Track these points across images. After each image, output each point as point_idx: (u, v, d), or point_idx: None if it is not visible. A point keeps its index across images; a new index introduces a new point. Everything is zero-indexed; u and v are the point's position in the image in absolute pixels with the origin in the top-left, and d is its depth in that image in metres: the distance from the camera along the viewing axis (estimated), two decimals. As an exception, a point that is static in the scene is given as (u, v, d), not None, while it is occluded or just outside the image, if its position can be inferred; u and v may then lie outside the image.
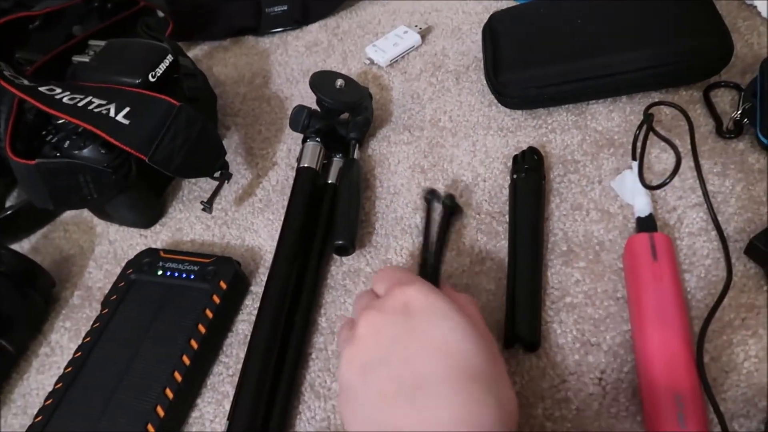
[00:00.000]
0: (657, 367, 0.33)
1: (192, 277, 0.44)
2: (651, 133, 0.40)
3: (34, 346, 0.47)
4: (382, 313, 0.32)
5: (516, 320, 0.37)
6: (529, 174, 0.44)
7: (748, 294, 0.36)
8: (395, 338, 0.30)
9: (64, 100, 0.46)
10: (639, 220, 0.39)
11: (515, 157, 0.46)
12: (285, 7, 0.68)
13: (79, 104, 0.46)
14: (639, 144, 0.40)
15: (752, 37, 0.50)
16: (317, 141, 0.50)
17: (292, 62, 0.63)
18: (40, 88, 0.47)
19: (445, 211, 0.41)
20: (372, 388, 0.30)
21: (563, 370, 0.36)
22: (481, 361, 0.29)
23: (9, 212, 0.54)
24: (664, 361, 0.33)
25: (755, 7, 0.51)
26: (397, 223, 0.47)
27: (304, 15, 0.67)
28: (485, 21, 0.55)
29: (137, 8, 0.65)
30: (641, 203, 0.39)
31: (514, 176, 0.44)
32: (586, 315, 0.38)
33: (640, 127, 0.41)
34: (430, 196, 0.43)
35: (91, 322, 0.45)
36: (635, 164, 0.41)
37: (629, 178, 0.41)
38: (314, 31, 0.66)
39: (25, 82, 0.49)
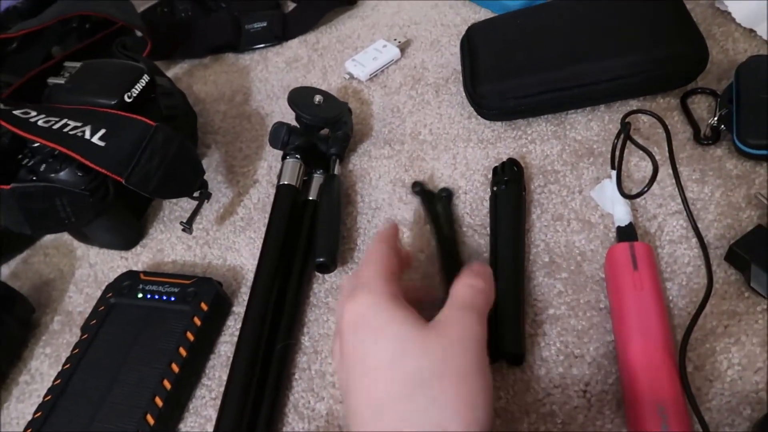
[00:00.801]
0: (640, 377, 0.32)
1: (172, 299, 0.44)
2: (629, 142, 0.40)
3: (14, 373, 0.46)
4: (340, 333, 0.31)
5: (500, 334, 0.37)
6: (510, 186, 0.44)
7: (730, 301, 0.36)
8: (348, 361, 0.30)
9: (39, 123, 0.46)
10: (619, 229, 0.39)
11: (495, 169, 0.46)
12: (264, 23, 0.68)
13: (54, 127, 0.45)
14: (617, 153, 0.40)
15: (727, 43, 0.50)
16: (297, 158, 0.49)
17: (272, 78, 0.63)
18: (15, 112, 0.47)
19: (444, 197, 0.44)
20: (350, 410, 0.29)
21: (548, 384, 0.36)
22: (425, 369, 0.27)
23: (-14, 238, 0.54)
24: (647, 371, 0.32)
25: (729, 13, 0.51)
26: (379, 239, 0.46)
27: (284, 31, 0.67)
28: (464, 32, 0.55)
29: (115, 28, 0.65)
30: (621, 212, 0.39)
31: (494, 188, 0.44)
32: (569, 326, 0.38)
33: (617, 136, 0.41)
34: (419, 187, 0.45)
35: (71, 348, 0.44)
36: (614, 173, 0.41)
37: (609, 187, 0.41)
38: (294, 46, 0.66)
39: (0, 106, 0.48)
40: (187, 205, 0.54)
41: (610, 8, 0.50)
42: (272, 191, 0.52)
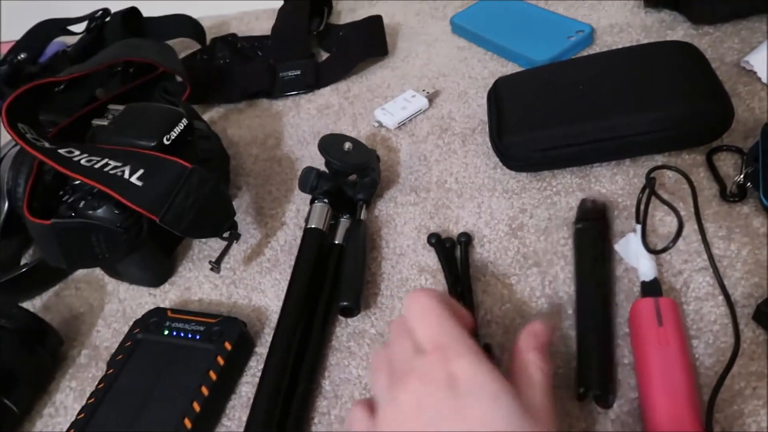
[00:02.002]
0: (665, 436, 0.32)
1: (197, 337, 0.45)
2: (654, 197, 0.40)
3: (39, 406, 0.47)
4: (424, 383, 0.30)
5: (585, 373, 0.37)
6: (595, 222, 0.44)
7: (758, 362, 0.36)
8: (439, 417, 0.29)
9: (82, 161, 0.48)
10: (644, 284, 0.39)
11: (580, 205, 0.46)
12: (298, 72, 0.70)
13: (96, 166, 0.47)
14: (642, 207, 0.41)
15: (753, 102, 0.51)
16: (325, 202, 0.50)
17: (303, 124, 0.65)
18: (60, 150, 0.49)
19: (461, 246, 0.45)
20: None
21: (570, 438, 0.35)
22: None
23: (23, 269, 0.55)
24: (672, 430, 0.32)
25: (755, 72, 0.52)
26: (402, 284, 0.47)
27: (317, 79, 0.70)
28: (491, 85, 0.57)
29: (157, 73, 0.69)
30: (645, 267, 0.39)
31: (578, 225, 0.44)
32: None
33: (642, 191, 0.42)
34: (434, 239, 0.46)
35: (96, 383, 0.45)
36: (639, 228, 0.41)
37: (633, 241, 0.41)
38: (326, 94, 0.69)
39: (46, 144, 0.50)
40: (215, 244, 0.55)
41: (636, 64, 0.51)
42: (299, 234, 0.53)
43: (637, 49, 0.53)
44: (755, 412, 0.34)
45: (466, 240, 0.47)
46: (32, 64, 0.78)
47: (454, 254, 0.46)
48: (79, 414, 0.43)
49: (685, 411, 0.32)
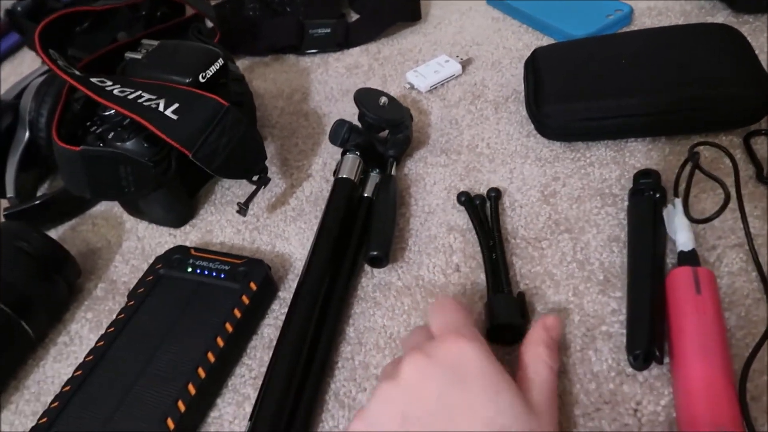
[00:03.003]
0: (699, 400, 0.32)
1: (222, 276, 0.44)
2: (697, 171, 0.40)
3: (53, 334, 0.46)
4: (431, 360, 0.31)
5: (632, 335, 0.37)
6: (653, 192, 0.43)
7: (790, 336, 0.36)
8: (442, 395, 0.30)
9: (115, 91, 0.47)
10: (681, 254, 0.39)
11: (636, 176, 0.45)
12: (328, 30, 0.69)
13: (129, 96, 0.47)
14: (683, 182, 0.40)
15: (792, 91, 0.50)
16: (357, 154, 0.50)
17: (331, 81, 0.65)
18: (92, 79, 0.48)
19: (491, 201, 0.46)
20: None
21: (597, 398, 0.35)
22: None
23: (38, 201, 0.54)
24: (707, 394, 0.32)
25: (795, 62, 0.52)
26: (430, 242, 0.46)
27: (346, 39, 0.69)
28: (525, 57, 0.56)
29: (184, 19, 0.67)
30: (684, 237, 0.39)
31: (635, 193, 0.44)
32: (621, 345, 0.37)
33: (683, 165, 0.42)
34: (464, 197, 0.47)
35: (115, 314, 0.44)
36: (678, 200, 0.41)
37: (672, 213, 0.41)
38: (355, 54, 0.68)
39: (77, 72, 0.49)
40: (239, 190, 0.55)
41: (678, 43, 0.50)
42: (325, 186, 0.53)
43: (680, 29, 0.53)
44: (785, 385, 0.34)
45: (495, 195, 0.47)
46: (55, 0, 0.76)
47: (484, 210, 0.46)
48: (98, 342, 0.42)
49: (720, 378, 0.32)
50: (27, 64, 0.82)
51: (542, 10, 0.64)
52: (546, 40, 0.63)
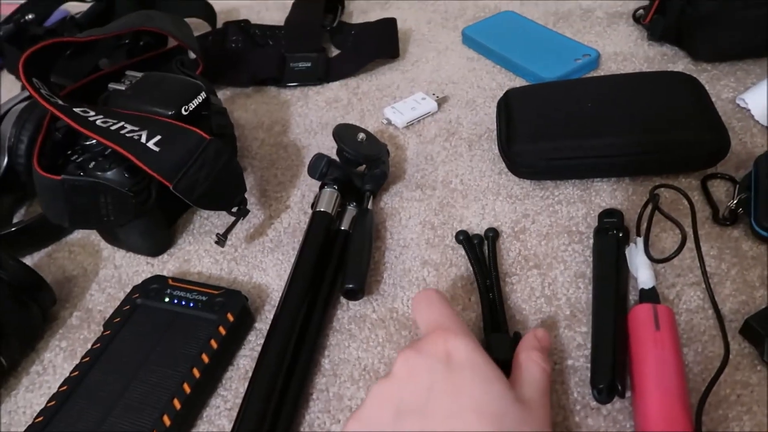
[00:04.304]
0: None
1: (199, 306, 0.45)
2: (657, 212, 0.42)
3: (26, 363, 0.46)
4: (420, 354, 0.32)
5: (595, 368, 0.39)
6: (616, 231, 0.45)
7: (743, 372, 0.38)
8: (433, 387, 0.31)
9: (97, 122, 0.48)
10: (642, 291, 0.41)
11: (601, 215, 0.48)
12: (309, 64, 0.71)
13: (112, 127, 0.47)
14: (644, 221, 0.43)
15: (746, 137, 0.54)
16: (334, 188, 0.51)
17: (311, 115, 0.66)
18: (75, 109, 0.49)
19: (488, 240, 0.48)
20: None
21: (564, 430, 0.37)
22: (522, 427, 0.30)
23: (14, 228, 0.54)
24: (665, 427, 0.34)
25: (749, 110, 0.55)
26: (405, 275, 0.48)
27: (327, 73, 0.71)
28: (499, 96, 0.59)
29: (167, 49, 0.69)
30: (645, 276, 0.41)
31: (599, 232, 0.46)
32: (587, 379, 0.39)
33: (645, 206, 0.44)
34: (462, 236, 0.48)
35: (90, 343, 0.44)
36: (639, 240, 0.43)
37: (634, 252, 0.43)
38: (335, 88, 0.70)
39: (60, 101, 0.50)
40: (217, 220, 0.55)
41: (642, 89, 0.54)
42: (303, 218, 0.54)
43: (643, 76, 0.56)
44: (738, 417, 0.36)
45: (493, 235, 0.48)
46: (37, 26, 0.77)
47: (482, 250, 0.47)
48: (72, 372, 0.42)
49: (677, 410, 0.34)
50: (7, 87, 0.81)
51: (515, 51, 0.67)
52: (518, 81, 0.66)
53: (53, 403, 0.40)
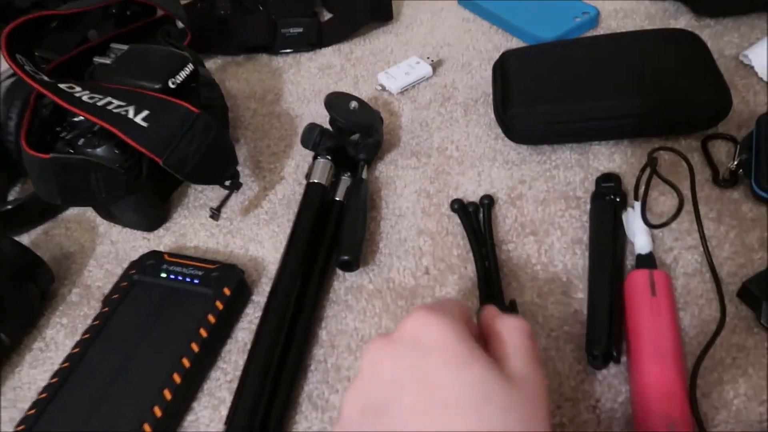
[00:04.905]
0: (652, 397, 0.34)
1: (196, 281, 0.45)
2: (654, 176, 0.42)
3: (28, 340, 0.47)
4: (388, 342, 0.28)
5: (592, 336, 0.38)
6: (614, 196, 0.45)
7: (740, 335, 0.38)
8: (396, 378, 0.27)
9: (84, 98, 0.47)
10: (639, 257, 0.41)
11: (598, 180, 0.47)
12: (300, 29, 0.70)
13: (98, 103, 0.47)
14: (642, 185, 0.42)
15: (748, 95, 0.52)
16: (328, 158, 0.51)
17: (304, 82, 0.65)
18: (60, 85, 0.48)
19: (483, 208, 0.47)
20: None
21: (559, 397, 0.37)
22: (512, 425, 0.25)
23: (10, 206, 0.54)
24: (659, 391, 0.34)
25: (753, 66, 0.54)
26: (401, 245, 0.47)
27: (318, 38, 0.69)
28: (495, 58, 0.57)
29: (155, 18, 0.67)
30: (642, 241, 0.41)
31: (597, 197, 0.46)
32: (582, 345, 0.39)
33: (643, 170, 0.43)
34: (457, 204, 0.47)
35: (90, 320, 0.45)
36: (637, 204, 0.43)
37: (631, 216, 0.43)
38: (328, 54, 0.68)
39: (45, 78, 0.49)
40: (212, 193, 0.55)
41: (642, 48, 0.52)
42: (298, 189, 0.53)
43: (644, 34, 0.54)
44: (734, 380, 0.36)
45: (488, 202, 0.48)
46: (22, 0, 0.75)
47: (477, 218, 0.47)
48: (73, 348, 0.42)
49: (671, 375, 0.34)
50: (-6, 62, 0.80)
51: (511, 12, 0.65)
52: (515, 42, 0.64)
53: (56, 379, 0.41)
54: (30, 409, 0.40)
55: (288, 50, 0.69)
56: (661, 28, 0.54)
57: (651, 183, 0.45)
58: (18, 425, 0.39)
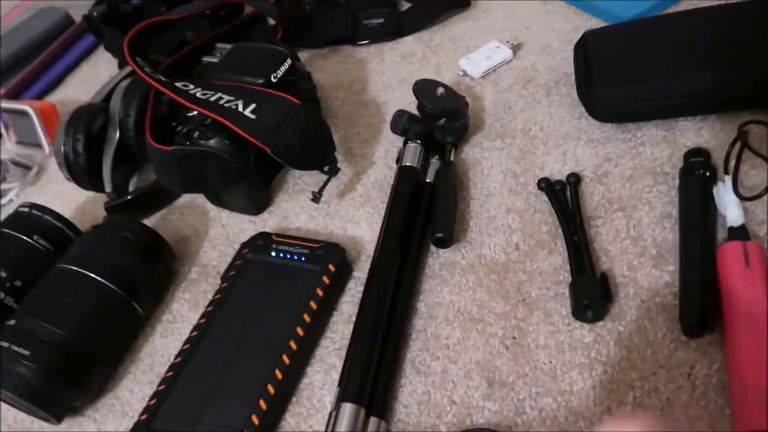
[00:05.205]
0: (748, 364, 0.35)
1: (303, 259, 0.49)
2: (745, 149, 0.42)
3: (158, 313, 0.53)
4: None
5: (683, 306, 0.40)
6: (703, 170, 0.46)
7: (838, 304, 0.38)
8: None
9: (197, 94, 0.52)
10: (731, 229, 0.41)
11: (686, 155, 0.48)
12: (381, 20, 0.73)
13: (211, 99, 0.51)
14: (732, 159, 0.43)
15: None
16: (418, 143, 0.54)
17: (387, 71, 0.68)
18: (177, 84, 0.53)
19: (570, 186, 0.48)
20: None
21: (653, 364, 0.39)
22: None
23: (133, 195, 0.60)
24: (755, 359, 0.35)
25: None
26: (490, 222, 0.50)
27: (399, 28, 0.72)
28: (575, 39, 0.58)
29: (249, 16, 0.72)
30: (734, 213, 0.42)
31: (686, 173, 0.46)
32: (675, 315, 0.40)
33: (733, 143, 0.44)
34: (544, 182, 0.49)
35: (211, 294, 0.50)
36: (727, 178, 0.43)
37: (722, 190, 0.44)
38: (409, 43, 0.71)
39: (162, 78, 0.55)
40: (309, 179, 0.59)
41: (726, 21, 0.52)
42: (388, 172, 0.57)
43: (730, 7, 0.54)
44: (832, 348, 0.37)
45: (575, 180, 0.49)
46: (126, 4, 0.82)
47: (565, 195, 0.49)
48: (200, 319, 0.48)
49: (765, 343, 0.35)
50: (102, 65, 0.88)
51: (590, -10, 0.65)
52: (594, 21, 0.65)
53: (187, 346, 0.46)
54: (168, 371, 0.45)
55: (370, 41, 0.72)
56: (750, 0, 0.53)
57: (742, 156, 0.45)
58: (159, 384, 0.45)
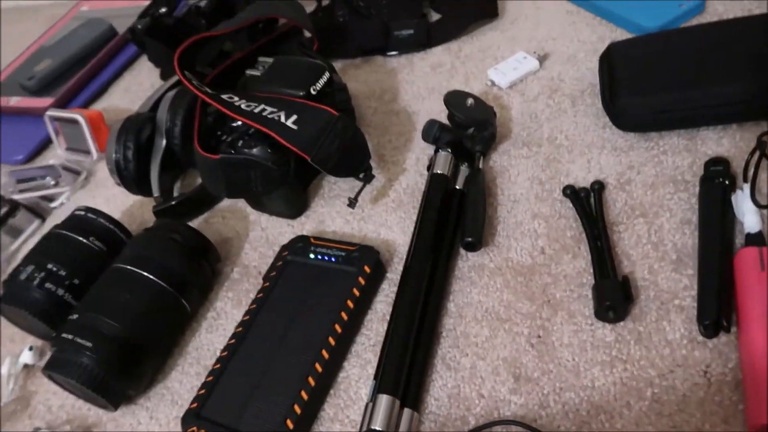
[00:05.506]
0: (762, 363, 0.37)
1: (340, 261, 0.52)
2: (764, 158, 0.44)
3: (203, 310, 0.56)
4: None
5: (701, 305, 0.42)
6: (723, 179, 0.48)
7: None
8: None
9: (242, 106, 0.56)
10: (748, 235, 0.43)
11: (707, 164, 0.50)
12: (411, 31, 0.76)
13: (255, 110, 0.55)
14: (751, 168, 0.45)
15: None
16: (448, 151, 0.57)
17: (418, 81, 0.71)
18: (222, 96, 0.57)
19: (594, 193, 0.51)
20: None
21: (671, 362, 0.41)
22: None
23: (178, 200, 0.64)
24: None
25: None
26: (517, 227, 0.53)
27: (429, 39, 0.75)
28: (600, 49, 0.61)
29: (287, 29, 0.76)
30: (751, 220, 0.44)
31: (706, 181, 0.49)
32: (693, 317, 0.43)
33: (752, 153, 0.46)
34: (569, 190, 0.51)
35: (254, 293, 0.53)
36: (746, 186, 0.45)
37: (740, 197, 0.46)
38: (438, 53, 0.74)
39: (209, 90, 0.58)
40: (344, 185, 0.63)
41: (749, 34, 0.54)
42: (419, 179, 0.60)
43: (753, 20, 0.55)
44: None
45: (599, 187, 0.52)
46: (168, 17, 0.86)
47: (589, 202, 0.51)
48: (244, 316, 0.51)
49: (781, 343, 0.37)
50: (144, 74, 0.93)
51: (615, 2, 0.68)
52: (620, 32, 0.67)
53: (233, 341, 0.50)
54: (215, 364, 0.49)
55: (401, 51, 0.75)
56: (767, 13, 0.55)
57: (760, 165, 0.47)
58: (208, 376, 0.48)
